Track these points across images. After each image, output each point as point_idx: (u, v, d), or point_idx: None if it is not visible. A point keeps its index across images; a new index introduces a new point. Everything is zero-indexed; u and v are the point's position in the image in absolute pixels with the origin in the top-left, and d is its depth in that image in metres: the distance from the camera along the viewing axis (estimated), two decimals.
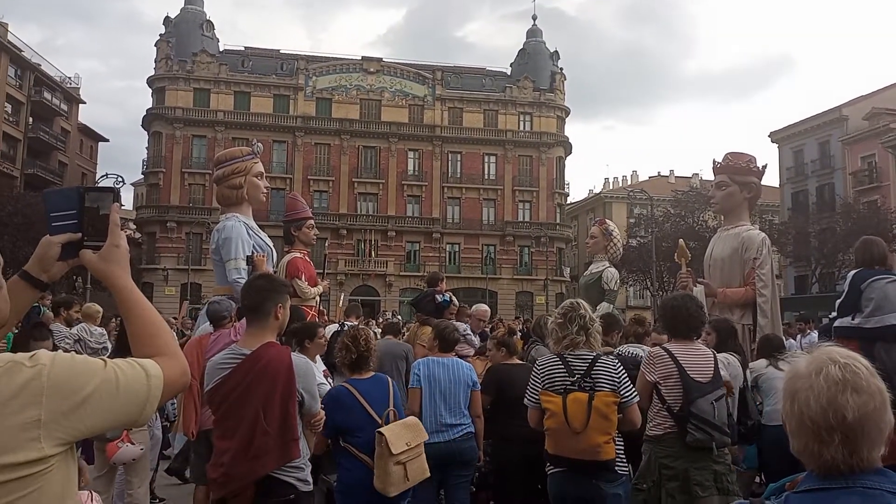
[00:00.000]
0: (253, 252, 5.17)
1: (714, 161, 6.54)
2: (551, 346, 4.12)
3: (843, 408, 1.34)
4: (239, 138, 46.13)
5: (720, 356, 4.57)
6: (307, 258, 6.46)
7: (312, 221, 6.62)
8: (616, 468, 3.75)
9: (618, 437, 3.83)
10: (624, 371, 3.86)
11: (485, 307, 8.67)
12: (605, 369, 3.76)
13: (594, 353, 3.84)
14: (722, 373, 4.38)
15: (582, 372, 3.74)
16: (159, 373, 1.38)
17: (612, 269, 7.77)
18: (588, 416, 3.59)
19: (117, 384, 1.30)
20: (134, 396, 1.33)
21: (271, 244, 5.55)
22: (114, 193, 1.54)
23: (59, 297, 9.35)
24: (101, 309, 8.07)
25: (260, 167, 5.51)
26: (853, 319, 4.46)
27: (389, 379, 4.28)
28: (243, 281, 5.00)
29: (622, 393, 3.75)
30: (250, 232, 5.26)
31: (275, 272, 5.59)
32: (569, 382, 3.71)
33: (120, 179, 33.02)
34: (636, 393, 3.85)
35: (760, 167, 6.49)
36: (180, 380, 1.46)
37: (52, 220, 1.48)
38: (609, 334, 5.43)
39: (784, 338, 6.66)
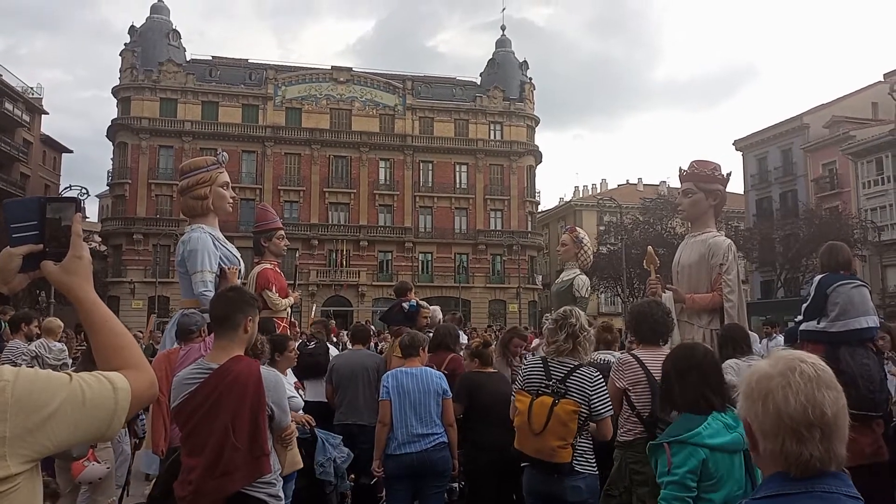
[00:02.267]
0: (224, 265, 5.11)
1: (680, 169, 6.69)
2: (544, 349, 4.28)
3: (822, 403, 1.35)
4: (207, 148, 45.41)
5: (730, 362, 4.66)
6: (277, 269, 6.40)
7: (283, 232, 6.56)
8: (576, 469, 3.82)
9: (587, 440, 3.94)
10: (602, 385, 3.91)
11: (433, 308, 8.49)
12: (580, 379, 3.86)
13: (576, 363, 3.94)
14: (734, 379, 4.46)
15: (559, 377, 3.88)
16: (126, 385, 1.36)
17: (583, 277, 7.86)
18: (547, 420, 3.74)
19: (83, 398, 1.28)
20: (101, 410, 1.31)
21: (239, 255, 5.49)
22: (76, 204, 1.52)
23: (19, 311, 9.07)
24: (62, 324, 7.88)
25: (225, 177, 5.45)
26: (819, 323, 4.56)
27: None
28: (210, 293, 4.94)
29: (593, 405, 3.83)
30: (217, 243, 5.19)
31: (244, 284, 5.53)
32: (543, 385, 3.87)
33: (84, 191, 32.36)
34: (610, 407, 3.91)
35: (725, 175, 6.65)
36: (148, 391, 1.44)
37: (12, 232, 1.45)
38: None
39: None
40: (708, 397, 2.84)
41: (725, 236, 6.86)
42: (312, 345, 6.76)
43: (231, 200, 5.46)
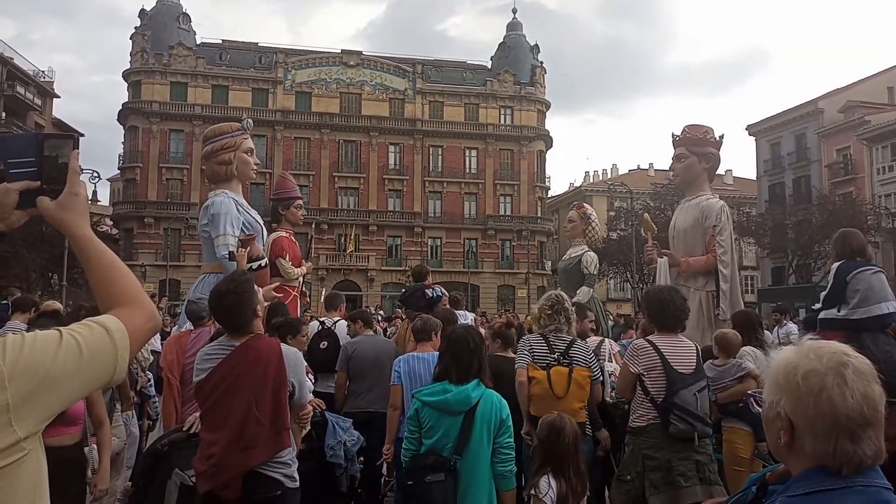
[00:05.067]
0: (246, 230, 5.14)
1: (673, 134, 6.66)
2: (535, 329, 4.81)
3: (875, 400, 1.31)
4: None
5: (748, 349, 4.72)
6: (292, 238, 6.42)
7: (301, 202, 6.58)
8: (585, 430, 4.44)
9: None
10: (593, 353, 4.71)
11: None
12: (579, 350, 4.58)
13: (571, 338, 4.63)
14: (750, 365, 4.53)
15: (561, 350, 4.49)
16: (120, 325, 1.34)
17: (592, 254, 7.80)
18: (568, 385, 4.33)
19: (80, 349, 1.26)
20: (101, 355, 1.30)
21: (261, 221, 5.51)
22: (73, 141, 1.49)
23: (27, 296, 9.09)
24: (60, 307, 7.95)
25: (249, 143, 5.45)
26: (839, 311, 4.52)
27: None
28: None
29: (592, 370, 4.53)
30: (240, 208, 5.21)
31: (260, 259, 5.53)
32: (551, 359, 4.45)
33: (95, 174, 32.49)
34: (600, 373, 4.65)
35: (718, 137, 6.61)
36: (146, 325, 1.43)
37: (9, 167, 1.43)
38: (580, 322, 5.41)
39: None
40: (449, 371, 3.59)
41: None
42: (324, 344, 6.64)
43: (255, 167, 5.47)
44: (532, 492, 3.40)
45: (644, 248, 6.89)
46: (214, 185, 5.36)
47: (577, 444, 3.53)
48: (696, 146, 6.42)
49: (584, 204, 8.49)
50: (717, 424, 4.91)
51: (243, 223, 5.13)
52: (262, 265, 5.25)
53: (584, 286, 7.50)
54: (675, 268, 6.25)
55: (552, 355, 4.44)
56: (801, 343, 1.45)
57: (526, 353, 4.56)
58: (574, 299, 7.47)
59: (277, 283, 5.70)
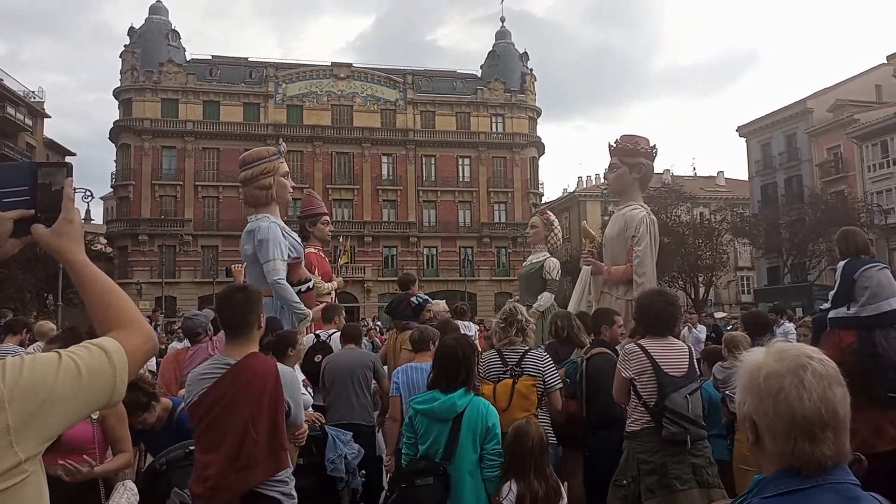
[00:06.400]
0: (292, 253, 5.23)
1: (609, 144, 6.76)
2: (494, 343, 4.93)
3: (834, 402, 1.33)
4: (209, 148, 46.02)
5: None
6: (321, 253, 6.50)
7: (327, 217, 6.71)
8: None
9: (546, 415, 4.56)
10: (550, 362, 4.67)
11: (443, 303, 8.11)
12: (532, 360, 4.60)
13: (525, 348, 4.67)
14: None
15: (514, 363, 4.57)
16: (118, 347, 1.36)
17: (554, 259, 7.89)
18: (511, 397, 4.40)
19: (79, 371, 1.28)
20: (100, 377, 1.31)
21: (301, 243, 5.61)
22: (67, 168, 1.51)
23: (19, 317, 9.12)
24: (54, 327, 7.96)
25: (285, 167, 5.61)
26: (849, 309, 4.51)
27: None
28: (283, 282, 5.06)
29: (546, 380, 4.55)
30: (284, 233, 5.31)
31: (307, 281, 5.60)
32: (501, 372, 4.56)
33: (88, 193, 32.48)
34: (559, 381, 4.64)
35: (650, 148, 6.70)
36: (144, 346, 1.44)
37: (3, 196, 1.43)
38: (609, 328, 5.27)
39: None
40: (439, 380, 3.75)
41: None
42: (318, 357, 6.64)
43: (291, 190, 5.58)
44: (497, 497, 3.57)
45: (581, 255, 7.18)
46: (254, 209, 5.46)
47: (543, 446, 3.64)
48: (628, 156, 6.51)
49: (548, 211, 8.67)
50: (730, 425, 4.91)
51: (289, 247, 5.23)
52: (310, 286, 5.34)
53: (546, 292, 7.56)
54: (599, 276, 6.39)
55: (504, 368, 4.56)
56: (770, 345, 1.47)
57: (480, 371, 4.64)
58: (535, 305, 7.51)
59: (324, 304, 5.78)
